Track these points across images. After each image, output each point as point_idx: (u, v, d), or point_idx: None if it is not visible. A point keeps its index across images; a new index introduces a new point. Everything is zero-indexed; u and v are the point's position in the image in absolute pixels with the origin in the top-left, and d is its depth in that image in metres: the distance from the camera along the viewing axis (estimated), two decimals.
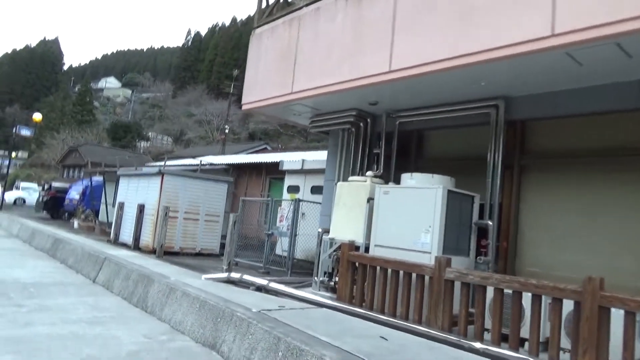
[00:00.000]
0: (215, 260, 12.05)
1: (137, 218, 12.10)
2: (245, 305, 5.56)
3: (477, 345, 4.69)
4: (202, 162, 16.46)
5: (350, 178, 7.36)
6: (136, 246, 12.02)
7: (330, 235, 7.20)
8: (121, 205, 13.22)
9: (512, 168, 6.38)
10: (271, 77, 8.16)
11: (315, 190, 10.89)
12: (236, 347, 4.91)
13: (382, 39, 6.30)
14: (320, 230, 7.74)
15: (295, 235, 9.55)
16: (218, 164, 17.16)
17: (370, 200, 6.75)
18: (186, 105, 70.37)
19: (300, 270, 9.76)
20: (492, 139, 6.41)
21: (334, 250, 7.10)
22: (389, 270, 5.86)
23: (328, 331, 4.75)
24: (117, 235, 13.11)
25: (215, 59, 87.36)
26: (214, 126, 62.91)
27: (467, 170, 6.47)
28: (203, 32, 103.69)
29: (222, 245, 12.94)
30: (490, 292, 4.93)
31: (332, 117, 8.20)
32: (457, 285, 5.23)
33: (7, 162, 38.83)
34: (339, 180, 8.20)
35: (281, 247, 10.87)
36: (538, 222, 6.20)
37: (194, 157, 24.10)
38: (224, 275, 8.08)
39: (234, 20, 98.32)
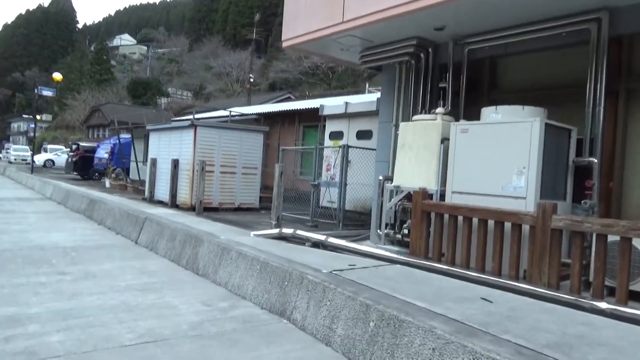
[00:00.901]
0: (257, 214, 11.47)
1: (172, 174, 11.48)
2: (312, 266, 4.88)
3: (602, 305, 3.91)
4: (232, 113, 15.64)
5: (415, 117, 6.44)
6: (173, 203, 11.48)
7: (395, 182, 6.39)
8: (154, 162, 12.61)
9: (616, 94, 5.36)
10: (316, 8, 7.13)
11: (362, 135, 10.01)
12: (311, 314, 4.24)
13: None
14: (381, 178, 6.93)
15: (345, 184, 8.77)
16: (248, 114, 16.32)
17: (444, 140, 5.86)
18: (203, 59, 68.94)
19: (352, 222, 9.06)
20: (593, 60, 5.35)
21: (400, 200, 6.31)
22: (474, 220, 5.07)
23: (421, 294, 4.02)
24: (152, 193, 12.58)
25: (230, 8, 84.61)
26: (233, 78, 61.63)
27: (557, 101, 5.47)
28: None
29: (261, 199, 12.32)
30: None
31: (387, 49, 7.17)
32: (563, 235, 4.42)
33: (32, 126, 38.80)
34: (397, 122, 7.29)
35: (327, 198, 10.15)
36: None
37: (218, 109, 23.33)
38: (275, 231, 7.41)
39: None
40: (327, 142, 10.83)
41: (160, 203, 12.09)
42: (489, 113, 5.47)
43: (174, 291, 5.16)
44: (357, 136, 10.11)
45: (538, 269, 4.52)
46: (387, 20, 6.23)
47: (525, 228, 4.71)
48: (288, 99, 33.18)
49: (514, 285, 4.43)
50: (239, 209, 11.78)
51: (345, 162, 8.70)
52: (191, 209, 10.97)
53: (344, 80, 47.09)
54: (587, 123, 5.36)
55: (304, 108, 14.94)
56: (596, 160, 5.13)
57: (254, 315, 4.57)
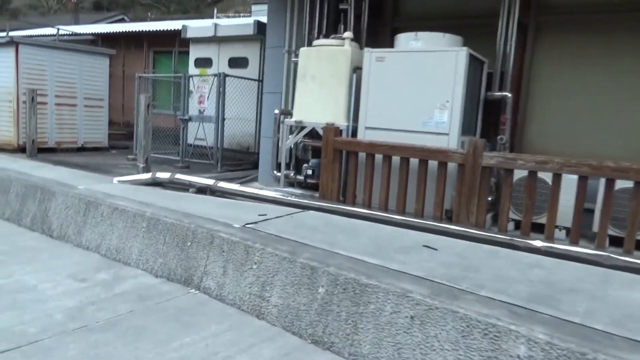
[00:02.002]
0: (108, 155, 9.69)
1: None
2: (218, 219, 3.99)
3: (537, 243, 3.83)
4: (61, 32, 12.73)
5: (317, 42, 5.63)
6: None
7: (295, 117, 5.61)
8: None
9: (525, 28, 5.24)
10: None
11: (235, 62, 8.81)
12: (231, 281, 3.42)
13: None
14: (276, 112, 6.05)
15: (223, 119, 7.67)
16: (82, 34, 13.49)
17: (356, 70, 5.20)
18: None
19: (229, 162, 8.09)
20: None
21: (302, 137, 5.60)
22: (394, 159, 4.63)
23: (362, 247, 3.47)
24: None
25: None
26: None
27: (464, 32, 5.15)
28: None
29: (111, 137, 10.47)
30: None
31: None
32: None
33: None
34: (290, 47, 6.38)
35: (196, 134, 8.92)
36: (552, 93, 5.32)
37: (33, 27, 19.13)
38: (146, 176, 6.16)
39: None
40: (193, 70, 9.38)
41: None
42: (407, 40, 4.93)
43: (25, 264, 3.82)
44: (229, 64, 8.89)
45: (466, 209, 4.31)
46: None
47: (451, 166, 4.44)
48: (122, 21, 28.96)
49: (446, 227, 4.14)
50: (83, 149, 9.81)
51: (222, 94, 7.55)
52: (19, 150, 8.75)
53: (186, 4, 42.98)
54: (499, 56, 5.19)
55: (156, 30, 12.84)
56: (510, 95, 5.02)
57: (150, 287, 3.56)
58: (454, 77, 4.56)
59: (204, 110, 7.95)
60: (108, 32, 13.59)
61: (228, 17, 29.26)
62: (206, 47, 9.12)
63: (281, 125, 5.82)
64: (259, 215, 4.31)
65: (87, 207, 4.59)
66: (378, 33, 6.15)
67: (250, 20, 8.97)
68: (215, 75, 7.60)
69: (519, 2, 5.06)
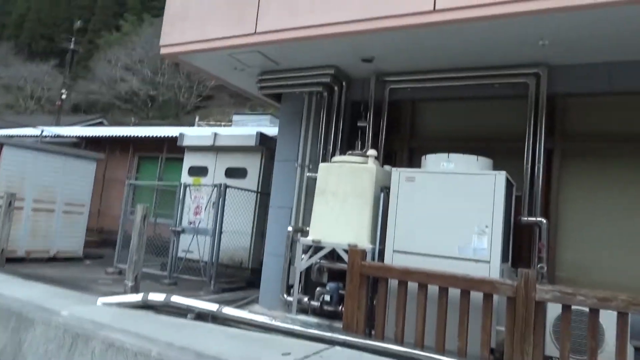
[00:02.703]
0: (83, 267, 8.82)
1: None
2: None
3: None
4: (44, 133, 12.38)
5: (338, 158, 5.40)
6: None
7: (312, 236, 5.17)
8: None
9: (551, 153, 5.20)
10: (219, 10, 5.68)
11: (233, 173, 8.51)
12: None
13: None
14: (290, 229, 5.61)
15: (221, 233, 7.14)
16: (66, 137, 13.16)
17: (383, 189, 4.92)
18: None
19: (223, 279, 7.40)
20: (531, 116, 5.13)
21: (320, 258, 5.12)
22: (430, 288, 4.17)
23: None
24: None
25: (28, 14, 73.71)
26: (26, 93, 52.79)
27: (487, 154, 5.05)
28: None
29: (85, 244, 9.65)
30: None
31: (297, 76, 6.07)
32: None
33: None
34: (304, 161, 6.15)
35: (184, 247, 8.29)
36: (580, 219, 5.14)
37: (11, 127, 18.78)
38: (135, 297, 5.42)
39: None
40: (186, 178, 9.01)
41: None
42: (438, 161, 4.74)
43: None
44: (226, 174, 8.58)
45: (520, 349, 3.79)
46: (312, 40, 5.18)
47: (496, 299, 4.00)
48: (100, 124, 29.10)
49: None
50: (54, 259, 8.93)
51: (222, 205, 7.11)
52: None
53: (166, 111, 44.05)
54: (526, 180, 5.05)
55: (144, 136, 12.64)
56: (545, 221, 4.79)
57: None
58: (493, 201, 4.31)
59: (199, 221, 7.44)
60: (93, 135, 13.31)
61: (209, 125, 29.88)
62: (202, 156, 8.86)
63: (295, 244, 5.35)
64: (283, 355, 3.67)
65: (73, 342, 3.85)
66: (395, 151, 6.03)
67: (252, 130, 8.88)
68: (215, 185, 7.23)
69: (545, 128, 5.04)
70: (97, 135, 13.28)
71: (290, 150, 6.34)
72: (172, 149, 12.72)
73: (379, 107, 5.93)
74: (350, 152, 5.73)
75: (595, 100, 5.18)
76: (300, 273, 5.36)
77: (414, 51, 5.25)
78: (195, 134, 9.33)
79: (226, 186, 7.19)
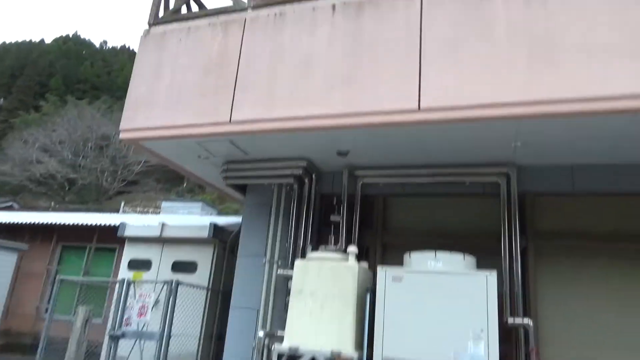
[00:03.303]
0: None
1: None
2: None
3: None
4: None
5: (315, 255, 5.09)
6: None
7: (288, 342, 4.67)
8: None
9: (525, 251, 5.26)
10: (187, 96, 5.46)
11: (181, 267, 7.80)
12: None
13: (402, 66, 4.66)
14: (261, 334, 5.05)
15: (169, 336, 6.32)
16: None
17: (368, 290, 4.64)
18: None
19: None
20: (505, 214, 5.23)
21: None
22: None
23: None
24: None
25: None
26: None
27: (461, 250, 5.02)
28: None
29: None
30: None
31: (266, 167, 5.86)
32: None
33: None
34: (272, 257, 5.75)
35: (110, 353, 7.24)
36: (560, 318, 5.12)
37: None
38: None
39: None
40: (124, 272, 8.12)
41: None
42: (424, 259, 4.59)
43: None
44: (173, 268, 7.86)
45: None
46: (288, 132, 5.08)
47: None
48: (10, 209, 26.59)
49: None
50: None
51: (172, 305, 6.37)
52: None
53: (86, 195, 41.56)
54: (506, 279, 5.01)
55: (72, 224, 11.54)
56: (531, 323, 4.69)
57: None
58: (486, 302, 4.17)
59: (144, 324, 6.57)
60: (11, 221, 11.95)
61: (135, 211, 28.33)
62: (147, 248, 8.11)
63: (267, 352, 4.79)
64: None
65: None
66: (367, 246, 5.84)
67: (204, 221, 8.33)
68: (165, 282, 6.52)
69: (518, 226, 5.14)
70: (16, 222, 11.94)
71: (256, 244, 5.95)
72: (104, 238, 11.70)
73: (350, 201, 5.82)
74: (323, 246, 5.47)
75: (561, 200, 5.42)
76: None
77: (390, 147, 5.29)
78: (137, 223, 8.62)
79: (178, 283, 6.51)
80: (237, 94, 5.26)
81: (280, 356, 4.69)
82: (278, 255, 5.73)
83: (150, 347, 6.59)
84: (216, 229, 7.72)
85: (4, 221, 12.08)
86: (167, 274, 7.72)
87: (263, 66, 5.29)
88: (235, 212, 27.60)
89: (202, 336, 7.29)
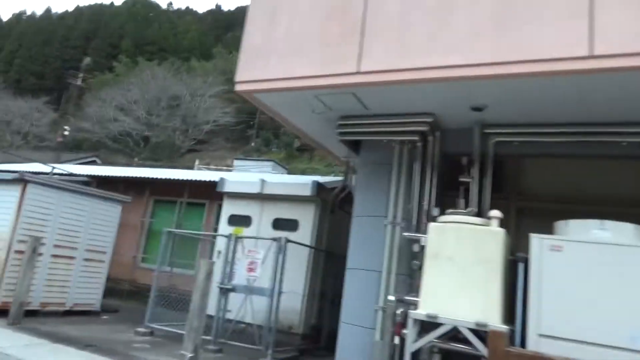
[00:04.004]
0: (105, 323, 7.75)
1: None
2: None
3: None
4: (55, 170, 11.44)
5: (449, 218, 4.71)
6: None
7: (425, 309, 4.38)
8: None
9: None
10: (308, 45, 5.10)
11: (282, 224, 7.71)
12: None
13: (569, 4, 4.02)
14: (391, 298, 4.80)
15: (280, 293, 6.26)
16: (77, 175, 12.21)
17: (520, 258, 4.21)
18: None
19: (275, 347, 6.42)
20: None
21: (437, 337, 4.31)
22: None
23: None
24: None
25: (19, 51, 73.66)
26: (13, 128, 51.61)
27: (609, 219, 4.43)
28: (4, 17, 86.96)
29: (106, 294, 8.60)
30: None
31: (387, 123, 5.47)
32: None
33: None
34: (395, 218, 5.43)
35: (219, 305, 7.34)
36: None
37: (27, 161, 17.68)
38: None
39: (48, 10, 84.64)
40: (224, 227, 8.15)
41: None
42: (586, 228, 4.08)
43: None
44: (274, 225, 7.78)
45: None
46: (422, 84, 4.62)
47: None
48: (94, 163, 28.08)
49: None
50: (69, 313, 7.84)
51: (282, 262, 6.27)
52: None
53: (159, 152, 43.14)
54: None
55: (164, 178, 11.82)
56: None
57: None
58: None
59: (253, 280, 6.54)
60: (107, 175, 12.41)
61: (209, 169, 29.09)
62: (246, 204, 8.06)
63: (395, 317, 4.54)
64: None
65: None
66: (501, 210, 5.35)
67: (306, 179, 8.16)
68: (274, 239, 6.41)
69: None
70: (112, 175, 12.38)
71: (374, 204, 5.63)
72: (194, 193, 11.91)
73: (481, 162, 5.32)
74: (451, 210, 5.06)
75: None
76: (428, 354, 4.46)
77: (532, 101, 4.71)
78: (236, 179, 8.56)
79: (287, 240, 6.38)
80: (365, 42, 4.83)
81: (416, 323, 4.42)
82: (401, 217, 5.39)
83: (256, 301, 6.57)
84: (319, 186, 7.49)
85: (101, 174, 12.57)
86: (268, 231, 7.64)
87: (394, 10, 4.81)
88: (301, 172, 27.63)
89: (305, 293, 7.20)
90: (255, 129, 45.44)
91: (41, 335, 5.99)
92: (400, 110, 5.38)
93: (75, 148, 44.25)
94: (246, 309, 6.57)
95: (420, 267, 5.11)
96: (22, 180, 7.16)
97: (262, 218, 7.94)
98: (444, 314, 4.28)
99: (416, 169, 5.46)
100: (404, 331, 4.70)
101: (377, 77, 4.72)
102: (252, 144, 44.19)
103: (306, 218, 7.57)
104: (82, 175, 12.40)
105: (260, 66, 5.35)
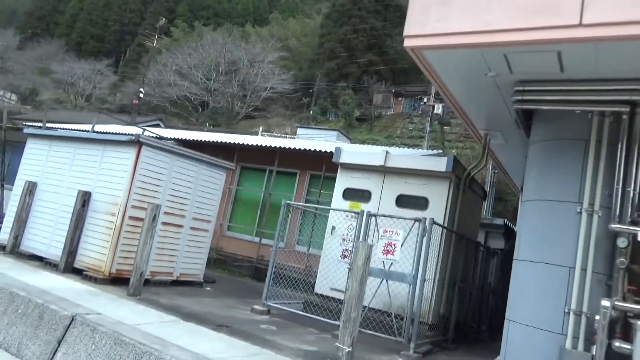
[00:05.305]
0: (210, 296, 7.36)
1: (76, 216, 6.76)
2: None
3: None
4: (146, 132, 11.12)
5: None
6: (69, 266, 6.69)
7: None
8: (31, 188, 7.56)
9: None
10: None
11: (408, 202, 6.96)
12: None
13: None
14: (606, 303, 3.96)
15: (424, 281, 5.55)
16: (167, 139, 11.87)
17: None
18: (36, 61, 58.23)
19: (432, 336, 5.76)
20: None
21: None
22: None
23: None
24: (17, 239, 7.43)
25: (80, 14, 75.27)
26: (77, 90, 53.02)
27: None
28: None
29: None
30: None
31: (583, 90, 4.53)
32: None
33: None
34: (591, 205, 4.54)
35: (329, 283, 6.75)
36: None
37: (66, 122, 17.64)
38: None
39: None
40: (338, 201, 7.50)
41: (36, 259, 7.10)
42: None
43: None
44: (397, 202, 7.04)
45: None
46: None
47: None
48: (157, 127, 28.21)
49: None
50: (176, 283, 7.48)
51: (426, 245, 5.55)
52: (108, 280, 6.43)
53: (217, 118, 43.16)
54: None
55: (252, 144, 11.29)
56: None
57: None
58: None
59: (390, 263, 5.87)
60: (194, 139, 12.00)
61: (273, 136, 28.64)
62: (365, 178, 7.33)
63: (588, 322, 3.73)
64: None
65: None
66: None
67: (435, 152, 7.32)
68: (416, 220, 5.66)
69: None
70: (199, 139, 11.96)
71: (560, 187, 4.74)
72: (285, 162, 11.35)
73: None
74: None
75: None
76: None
77: None
78: (353, 149, 7.84)
79: (433, 222, 5.62)
80: None
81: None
82: (599, 204, 4.51)
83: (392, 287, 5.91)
84: (456, 162, 6.66)
85: (187, 138, 12.19)
86: (390, 208, 6.91)
87: None
88: (362, 142, 26.73)
89: (436, 280, 6.48)
90: (314, 97, 44.65)
91: (167, 309, 5.57)
92: (606, 75, 4.42)
93: (130, 110, 44.89)
94: (390, 297, 5.92)
95: (627, 268, 4.26)
96: (137, 142, 6.69)
97: (384, 193, 7.20)
98: None
99: (622, 147, 4.50)
100: (620, 344, 3.90)
101: (607, 30, 3.77)
102: (310, 112, 43.47)
103: (438, 196, 6.76)
104: (170, 139, 12.06)
105: (437, 17, 4.49)
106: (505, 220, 10.35)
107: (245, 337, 4.98)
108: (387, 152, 7.17)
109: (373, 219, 6.18)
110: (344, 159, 7.54)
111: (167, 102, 43.43)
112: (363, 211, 6.12)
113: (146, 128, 13.14)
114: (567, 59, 4.29)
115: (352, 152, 7.62)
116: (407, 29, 4.64)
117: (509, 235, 10.02)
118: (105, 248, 6.58)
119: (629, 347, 3.86)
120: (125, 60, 64.26)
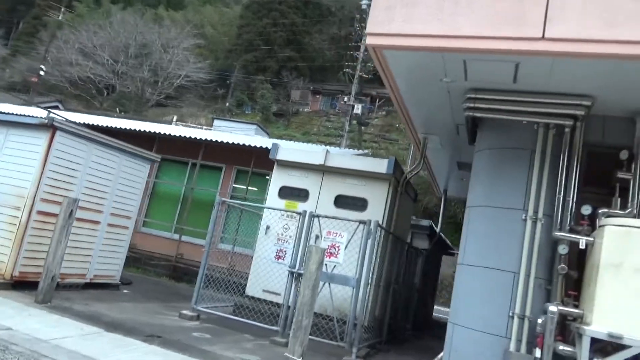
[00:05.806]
0: (131, 299, 6.69)
1: None
2: None
3: None
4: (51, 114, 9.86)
5: (633, 222, 4.03)
6: None
7: (607, 327, 3.73)
8: None
9: None
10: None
11: (346, 203, 6.81)
12: None
13: None
14: (553, 309, 4.08)
15: (367, 284, 5.43)
16: (76, 123, 10.59)
17: None
18: None
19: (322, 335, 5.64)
20: None
21: None
22: None
23: None
24: None
25: None
26: None
27: None
28: None
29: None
30: None
31: (533, 102, 4.68)
32: None
33: None
34: (536, 212, 4.69)
35: (261, 285, 6.47)
36: None
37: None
38: None
39: None
40: (273, 199, 7.17)
41: None
42: None
43: None
44: (336, 202, 6.88)
45: None
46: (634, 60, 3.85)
47: None
48: (56, 108, 25.69)
49: None
50: (89, 285, 6.70)
51: (370, 248, 5.44)
52: (10, 285, 5.58)
53: (124, 104, 40.31)
54: None
55: (175, 135, 10.54)
56: None
57: None
58: None
59: (333, 266, 5.68)
60: (108, 126, 10.94)
61: (188, 126, 27.29)
62: (303, 176, 7.07)
63: (580, 338, 3.87)
64: None
65: None
66: None
67: (363, 152, 7.22)
68: (361, 222, 5.54)
69: None
70: (113, 126, 10.93)
71: (506, 194, 4.86)
72: (210, 155, 10.73)
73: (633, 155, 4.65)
74: (605, 210, 4.41)
75: None
76: None
77: None
78: (291, 147, 7.55)
79: (378, 224, 5.53)
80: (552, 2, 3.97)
81: (591, 341, 3.77)
82: (542, 212, 4.67)
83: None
84: (396, 164, 6.64)
85: (101, 124, 11.08)
86: (328, 209, 6.74)
87: None
88: (279, 138, 26.54)
89: (372, 282, 6.43)
90: (230, 88, 43.44)
91: (85, 318, 4.91)
92: (555, 89, 4.60)
93: (26, 90, 40.45)
94: (332, 300, 5.74)
95: (566, 274, 4.47)
96: (50, 126, 5.85)
97: (322, 193, 7.01)
98: (631, 335, 3.64)
99: (564, 159, 4.71)
100: (564, 347, 4.07)
101: (566, 46, 3.89)
102: (226, 104, 42.20)
103: (377, 198, 6.72)
104: (78, 124, 10.88)
105: (401, 18, 4.36)
106: (430, 222, 10.71)
107: (180, 348, 4.53)
108: (327, 151, 7.00)
109: (315, 219, 5.98)
110: (282, 156, 7.24)
111: (67, 82, 39.69)
112: (305, 211, 5.89)
113: (50, 110, 11.78)
114: (523, 71, 4.39)
115: (291, 149, 7.36)
116: (371, 27, 4.48)
117: (432, 235, 10.36)
118: (6, 247, 5.68)
119: (571, 349, 4.04)
120: (17, 33, 57.85)
